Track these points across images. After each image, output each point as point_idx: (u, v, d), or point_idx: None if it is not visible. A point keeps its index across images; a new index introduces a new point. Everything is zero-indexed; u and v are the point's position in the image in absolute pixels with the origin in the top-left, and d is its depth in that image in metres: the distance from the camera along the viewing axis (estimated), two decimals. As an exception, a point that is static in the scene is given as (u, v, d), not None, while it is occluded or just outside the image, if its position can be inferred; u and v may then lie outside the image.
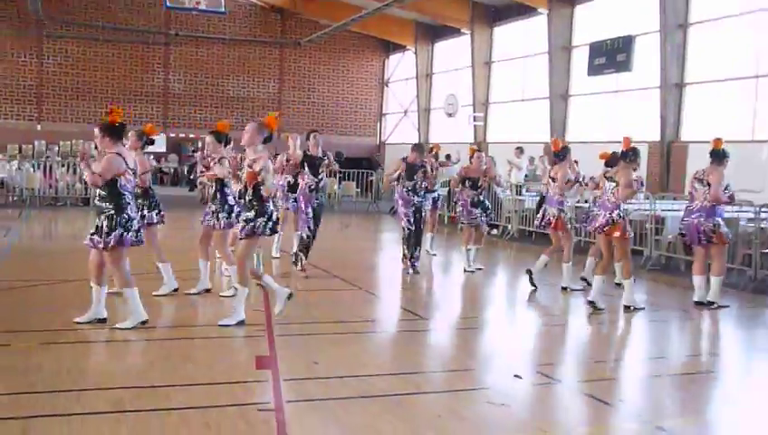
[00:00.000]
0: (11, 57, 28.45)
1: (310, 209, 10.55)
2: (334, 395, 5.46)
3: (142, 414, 4.94)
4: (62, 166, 21.75)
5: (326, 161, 10.62)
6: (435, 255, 12.98)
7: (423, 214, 11.41)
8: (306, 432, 4.76)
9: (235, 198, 8.54)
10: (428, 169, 11.60)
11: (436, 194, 13.28)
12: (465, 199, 11.46)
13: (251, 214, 7.36)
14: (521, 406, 5.60)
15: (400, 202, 11.22)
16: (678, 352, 7.76)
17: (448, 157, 23.31)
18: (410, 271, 11.02)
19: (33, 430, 4.57)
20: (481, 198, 11.45)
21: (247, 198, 7.43)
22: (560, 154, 10.26)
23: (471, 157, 11.76)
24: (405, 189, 11.08)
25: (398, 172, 11.23)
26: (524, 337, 8.14)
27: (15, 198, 20.48)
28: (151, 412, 4.97)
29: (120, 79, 29.82)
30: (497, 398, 5.58)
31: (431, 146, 14.35)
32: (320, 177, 10.60)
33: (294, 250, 10.86)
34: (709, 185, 9.10)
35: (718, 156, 9.12)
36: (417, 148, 11.56)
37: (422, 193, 11.34)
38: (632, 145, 9.12)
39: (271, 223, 7.47)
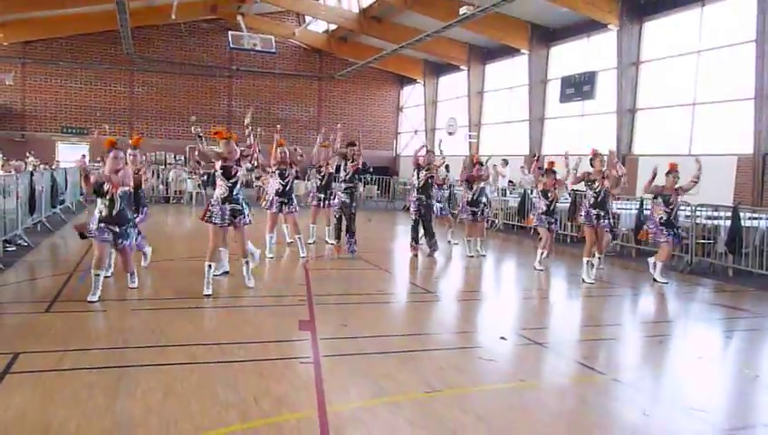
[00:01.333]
0: (109, 87, 28.67)
1: (336, 200, 10.61)
2: (360, 351, 5.47)
3: (210, 365, 4.97)
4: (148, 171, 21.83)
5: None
6: (456, 243, 12.85)
7: (431, 210, 11.28)
8: (338, 380, 4.76)
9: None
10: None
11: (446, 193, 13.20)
12: (464, 199, 11.44)
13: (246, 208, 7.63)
14: (505, 361, 5.58)
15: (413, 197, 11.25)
16: (631, 320, 7.72)
17: (447, 167, 23.23)
18: (417, 254, 11.05)
19: (126, 377, 4.61)
20: (476, 197, 11.37)
21: (235, 192, 7.54)
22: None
23: (474, 164, 11.69)
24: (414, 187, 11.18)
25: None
26: (509, 308, 8.10)
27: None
28: (217, 364, 5.00)
29: (194, 104, 29.91)
30: (487, 355, 5.57)
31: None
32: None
33: (330, 241, 10.94)
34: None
35: None
36: (426, 151, 11.55)
37: (431, 193, 11.26)
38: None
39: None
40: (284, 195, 10.33)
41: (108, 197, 6.93)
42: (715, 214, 11.17)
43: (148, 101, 29.23)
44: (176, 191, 21.25)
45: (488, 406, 4.42)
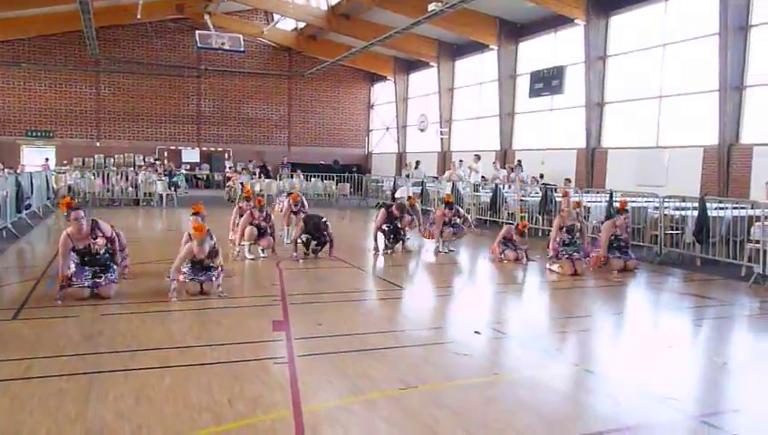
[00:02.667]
0: (75, 89, 28.20)
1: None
2: (335, 350, 5.45)
3: (183, 368, 4.91)
4: (117, 174, 21.59)
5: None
6: (408, 238, 12.95)
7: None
8: (313, 379, 4.75)
9: None
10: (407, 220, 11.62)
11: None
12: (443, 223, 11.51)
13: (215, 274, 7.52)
14: (480, 355, 5.61)
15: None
16: (602, 311, 7.80)
17: (418, 163, 23.33)
18: (389, 251, 11.24)
19: (97, 383, 4.54)
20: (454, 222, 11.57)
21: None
22: None
23: (447, 202, 11.67)
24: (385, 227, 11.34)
25: (380, 220, 11.35)
26: (482, 302, 8.15)
27: (79, 200, 20.28)
28: (190, 367, 4.95)
29: (162, 105, 29.62)
30: (461, 349, 5.60)
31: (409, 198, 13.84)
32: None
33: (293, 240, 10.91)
34: None
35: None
36: (400, 208, 11.53)
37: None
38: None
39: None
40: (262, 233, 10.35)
41: (89, 256, 7.09)
42: (683, 205, 11.37)
43: (116, 102, 28.85)
44: (145, 193, 20.98)
45: (463, 400, 4.44)
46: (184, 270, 7.46)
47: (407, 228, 11.75)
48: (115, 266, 7.31)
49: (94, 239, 7.09)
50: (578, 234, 9.95)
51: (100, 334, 5.79)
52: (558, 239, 9.82)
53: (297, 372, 4.84)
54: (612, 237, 10.00)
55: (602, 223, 11.98)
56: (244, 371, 4.86)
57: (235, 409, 4.14)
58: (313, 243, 10.43)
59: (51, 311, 6.56)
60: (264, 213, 10.27)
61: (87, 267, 7.07)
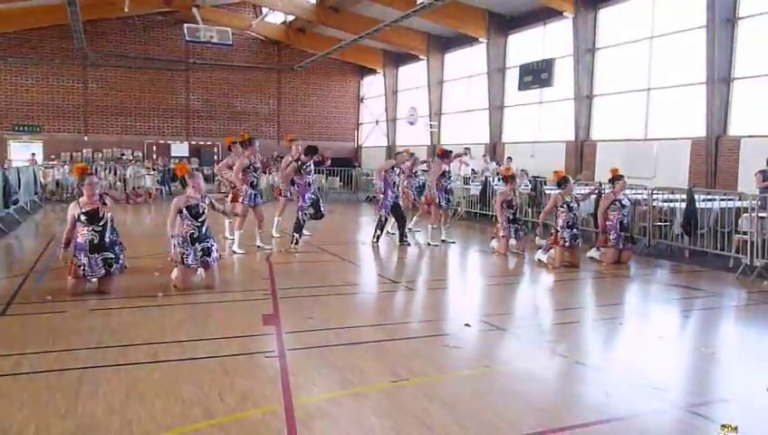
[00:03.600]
0: (62, 83, 27.94)
1: (306, 200, 10.54)
2: (325, 343, 5.45)
3: (173, 363, 4.90)
4: (105, 169, 21.43)
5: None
6: (418, 231, 13.14)
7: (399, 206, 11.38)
8: (303, 373, 4.74)
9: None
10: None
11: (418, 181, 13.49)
12: (441, 188, 11.61)
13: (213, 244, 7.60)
14: (470, 348, 5.63)
15: (387, 193, 11.16)
16: (592, 303, 7.84)
17: (412, 154, 23.23)
18: (378, 244, 11.16)
19: (87, 378, 4.52)
20: (449, 187, 11.83)
21: (204, 230, 7.52)
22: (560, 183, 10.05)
23: (442, 153, 11.90)
24: (393, 183, 11.14)
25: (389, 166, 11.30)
26: (472, 295, 8.17)
27: (68, 196, 20.14)
28: (180, 361, 4.94)
29: (150, 99, 29.39)
30: (452, 342, 5.61)
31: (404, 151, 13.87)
32: (311, 178, 10.65)
33: (291, 232, 10.85)
34: None
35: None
36: (397, 155, 11.66)
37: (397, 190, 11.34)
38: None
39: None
40: (258, 187, 10.35)
41: (102, 223, 6.99)
42: (672, 197, 11.42)
43: (103, 96, 28.59)
44: (134, 188, 20.86)
45: (454, 393, 4.45)
46: (182, 249, 7.35)
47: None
48: (122, 256, 7.26)
49: (103, 204, 7.08)
50: (575, 214, 9.79)
51: (89, 330, 5.76)
52: (561, 223, 9.64)
53: (288, 366, 4.83)
54: (617, 205, 9.93)
55: (591, 215, 12.09)
56: (235, 365, 4.85)
57: (225, 403, 4.13)
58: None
59: (39, 306, 6.51)
60: (257, 152, 10.35)
61: (98, 254, 6.98)
